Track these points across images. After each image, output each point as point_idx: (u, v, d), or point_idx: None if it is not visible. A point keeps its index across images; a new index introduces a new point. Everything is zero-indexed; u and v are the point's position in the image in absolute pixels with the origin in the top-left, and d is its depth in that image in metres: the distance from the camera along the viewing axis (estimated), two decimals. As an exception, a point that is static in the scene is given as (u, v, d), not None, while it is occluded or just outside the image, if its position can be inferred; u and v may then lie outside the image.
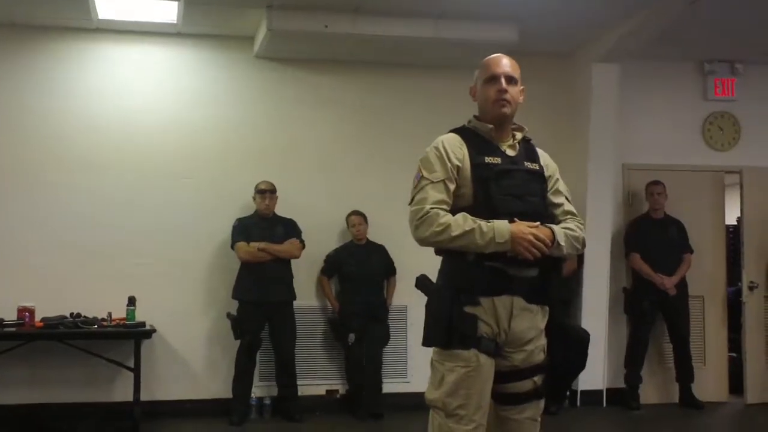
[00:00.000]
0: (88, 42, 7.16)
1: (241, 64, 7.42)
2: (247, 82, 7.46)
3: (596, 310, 7.55)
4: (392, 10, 6.69)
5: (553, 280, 3.14)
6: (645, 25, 6.84)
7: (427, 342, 3.10)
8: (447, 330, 3.01)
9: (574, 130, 7.79)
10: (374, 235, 7.33)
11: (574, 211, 3.31)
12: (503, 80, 3.18)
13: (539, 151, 3.32)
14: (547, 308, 3.17)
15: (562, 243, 3.08)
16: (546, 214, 3.19)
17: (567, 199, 3.32)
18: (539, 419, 3.22)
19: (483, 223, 2.98)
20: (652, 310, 7.57)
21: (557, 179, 3.31)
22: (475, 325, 3.01)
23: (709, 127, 8.21)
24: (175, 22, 6.94)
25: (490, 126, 3.19)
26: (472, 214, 3.01)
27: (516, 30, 6.93)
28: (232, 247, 6.91)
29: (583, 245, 3.23)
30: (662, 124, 8.07)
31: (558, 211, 3.26)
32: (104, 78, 7.19)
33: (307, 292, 7.32)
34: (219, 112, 7.37)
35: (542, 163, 3.27)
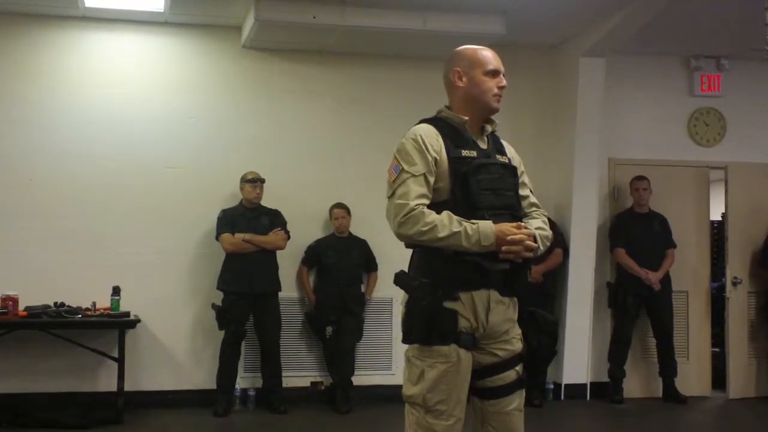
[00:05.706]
0: (75, 30, 7.11)
1: (229, 54, 7.39)
2: (234, 72, 7.42)
3: (581, 304, 7.57)
4: (380, 1, 6.68)
5: (521, 273, 3.16)
6: (631, 19, 6.86)
7: (407, 339, 3.07)
8: (427, 326, 2.99)
9: (560, 123, 7.81)
10: (358, 226, 7.32)
11: (538, 202, 3.36)
12: (502, 76, 3.20)
13: (504, 143, 3.33)
14: (516, 300, 3.20)
15: (540, 246, 3.13)
16: (520, 208, 3.22)
17: (531, 191, 3.35)
18: (523, 410, 3.23)
19: (468, 225, 2.96)
20: (636, 305, 7.60)
21: (522, 171, 3.32)
22: (455, 320, 3.00)
23: (694, 123, 8.24)
24: (162, 10, 6.91)
25: (466, 118, 3.16)
26: (449, 209, 3.00)
27: (503, 23, 6.94)
28: (217, 238, 6.90)
29: (550, 241, 3.29)
30: (648, 119, 8.10)
31: (524, 203, 3.28)
32: (90, 66, 7.15)
33: (292, 284, 7.32)
34: (205, 102, 7.35)
35: (509, 155, 3.28)
